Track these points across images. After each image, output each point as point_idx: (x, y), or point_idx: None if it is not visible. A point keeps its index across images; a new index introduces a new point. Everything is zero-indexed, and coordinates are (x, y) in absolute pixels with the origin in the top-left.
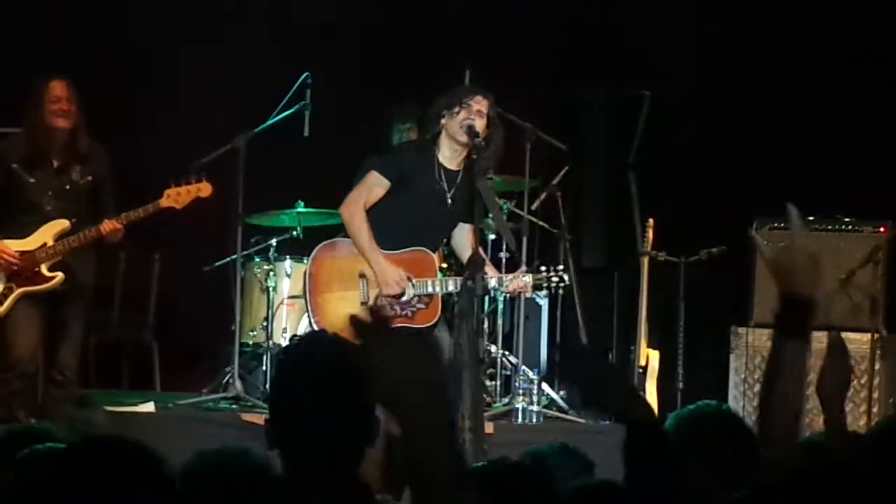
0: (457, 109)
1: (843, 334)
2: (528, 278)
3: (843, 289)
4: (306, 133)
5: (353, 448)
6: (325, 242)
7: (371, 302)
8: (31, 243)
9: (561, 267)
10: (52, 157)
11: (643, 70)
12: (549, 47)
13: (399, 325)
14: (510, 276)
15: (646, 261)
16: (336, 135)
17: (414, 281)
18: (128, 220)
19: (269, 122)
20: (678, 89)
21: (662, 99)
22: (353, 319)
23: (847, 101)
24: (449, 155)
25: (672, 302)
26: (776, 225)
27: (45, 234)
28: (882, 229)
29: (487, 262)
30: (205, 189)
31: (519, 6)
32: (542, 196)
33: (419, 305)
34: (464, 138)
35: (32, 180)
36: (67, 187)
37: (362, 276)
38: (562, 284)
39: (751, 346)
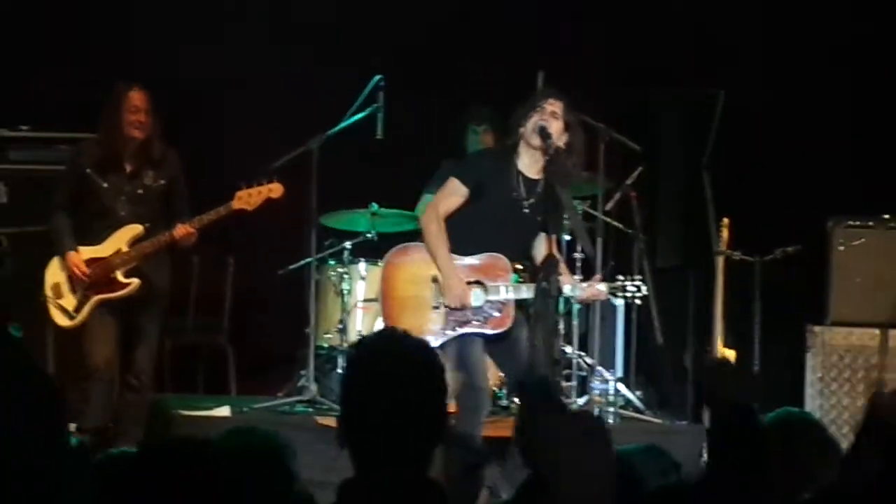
0: (531, 114)
1: None
2: (603, 287)
3: None
4: (379, 135)
5: (423, 447)
6: (398, 246)
7: (442, 306)
8: (105, 249)
9: (639, 277)
10: (125, 161)
11: (717, 69)
12: (622, 47)
13: (471, 329)
14: (584, 283)
15: (721, 260)
16: (409, 137)
17: (487, 286)
18: (200, 223)
19: (343, 124)
20: (753, 88)
21: (737, 98)
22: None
23: None
24: (528, 162)
25: (747, 301)
26: (851, 223)
27: (119, 240)
28: None
29: (563, 267)
30: (276, 190)
31: (591, 6)
32: (617, 196)
33: (492, 311)
34: (537, 141)
35: (105, 185)
36: (140, 191)
37: (435, 280)
38: (638, 294)
39: (827, 344)
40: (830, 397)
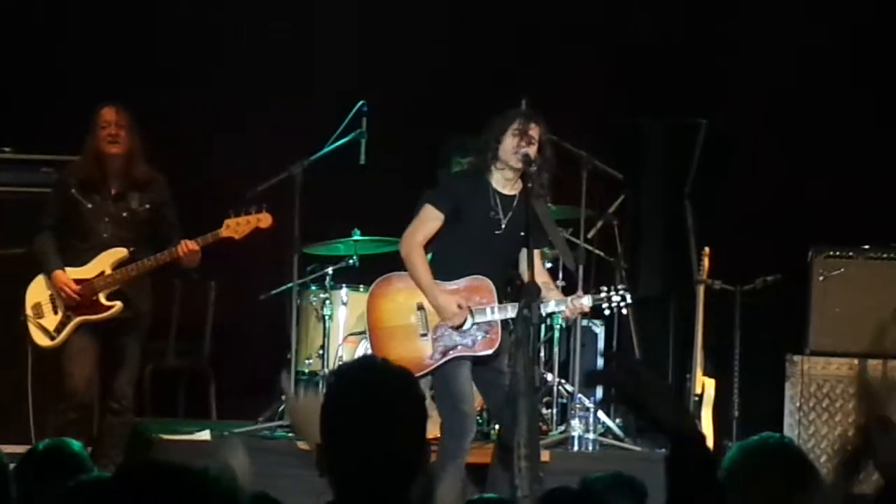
0: (510, 135)
1: None
2: (587, 300)
3: None
4: (362, 161)
5: (403, 475)
6: (382, 277)
7: (430, 333)
8: (89, 271)
9: (622, 286)
10: (110, 184)
11: (699, 99)
12: (605, 76)
13: (460, 353)
14: (568, 298)
15: (702, 289)
16: (392, 163)
17: (473, 309)
18: (204, 242)
19: (325, 149)
20: (734, 118)
21: (718, 128)
22: None
23: None
24: (502, 179)
25: (728, 330)
26: (832, 253)
27: (103, 263)
28: None
29: (550, 281)
30: (265, 220)
31: (575, 35)
32: (599, 224)
33: (479, 333)
34: (518, 165)
35: (90, 206)
36: (125, 214)
37: (420, 307)
38: (623, 304)
39: (806, 374)
40: (809, 426)
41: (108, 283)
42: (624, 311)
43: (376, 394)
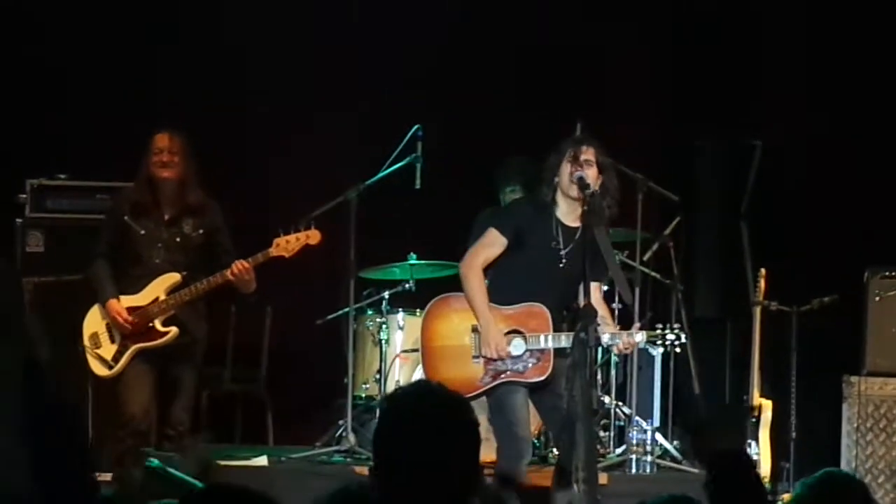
0: (565, 163)
1: None
2: (641, 336)
3: None
4: (418, 185)
5: (455, 500)
6: (439, 297)
7: (482, 356)
8: (143, 298)
9: (677, 325)
10: (163, 209)
11: (755, 119)
12: (661, 97)
13: (511, 378)
14: (623, 332)
15: (758, 310)
16: (448, 187)
17: (527, 336)
18: (255, 262)
19: (381, 174)
20: (790, 138)
21: (774, 148)
22: None
23: None
24: (566, 210)
25: (784, 351)
26: (888, 274)
27: (157, 289)
28: None
29: (607, 314)
30: (314, 237)
31: (630, 56)
32: (655, 247)
33: (531, 360)
34: (575, 192)
35: (143, 232)
36: (178, 239)
37: (475, 330)
38: (678, 343)
39: (863, 394)
40: (867, 447)
41: (162, 310)
42: (678, 350)
43: (429, 419)
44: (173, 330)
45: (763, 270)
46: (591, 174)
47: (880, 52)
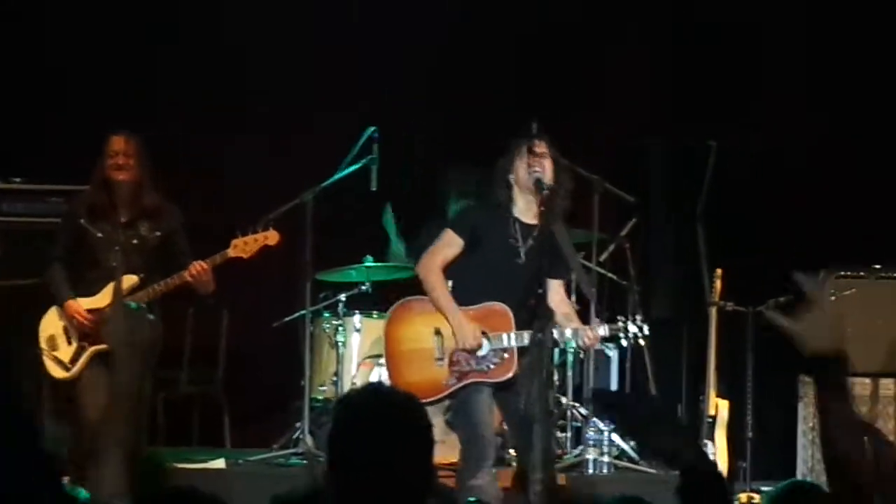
0: (519, 159)
1: None
2: (604, 329)
3: None
4: (373, 187)
5: (411, 500)
6: (400, 302)
7: (446, 358)
8: (100, 300)
9: (639, 316)
10: (120, 212)
11: (710, 120)
12: (616, 99)
13: (476, 379)
14: (586, 327)
15: (714, 311)
16: (403, 188)
17: (490, 335)
18: (213, 263)
19: (336, 176)
20: (745, 139)
21: (730, 149)
22: None
23: None
24: (523, 207)
25: (741, 351)
26: (844, 273)
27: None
28: None
29: (571, 311)
30: (272, 238)
31: (585, 59)
32: (611, 248)
33: (494, 360)
34: (533, 191)
35: (100, 235)
36: (135, 242)
37: (437, 332)
38: (640, 334)
39: None
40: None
41: None
42: (642, 342)
43: (381, 422)
44: None
45: (719, 271)
46: (546, 165)
47: (834, 46)
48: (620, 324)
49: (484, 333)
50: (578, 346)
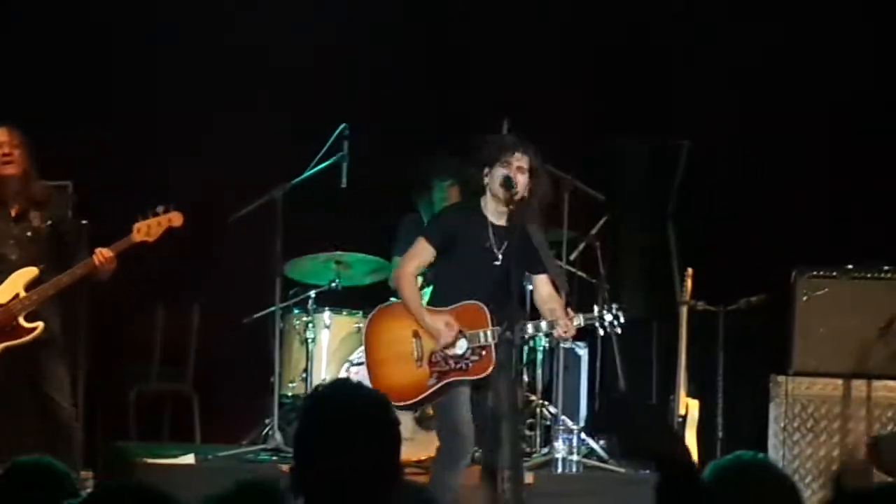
0: (497, 166)
1: (882, 382)
2: (579, 319)
3: (883, 337)
4: (344, 184)
5: (376, 495)
6: (378, 307)
7: (425, 359)
8: (2, 296)
9: (615, 305)
10: (10, 205)
11: (681, 119)
12: (588, 96)
13: (456, 378)
14: (562, 317)
15: (685, 310)
16: (374, 185)
17: (467, 334)
18: (117, 250)
19: (307, 173)
20: (717, 138)
21: (701, 148)
22: None
23: (892, 147)
24: (495, 211)
25: (711, 351)
26: (816, 273)
27: (16, 285)
28: None
29: (559, 306)
30: (175, 219)
31: (558, 55)
32: (581, 246)
33: (473, 357)
34: (501, 192)
35: None
36: (29, 234)
37: (416, 335)
38: (617, 323)
39: (790, 394)
40: (793, 447)
41: (25, 305)
42: (619, 330)
43: (348, 418)
44: (40, 325)
45: (690, 270)
46: (521, 180)
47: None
48: (596, 313)
49: (461, 332)
50: (554, 337)
